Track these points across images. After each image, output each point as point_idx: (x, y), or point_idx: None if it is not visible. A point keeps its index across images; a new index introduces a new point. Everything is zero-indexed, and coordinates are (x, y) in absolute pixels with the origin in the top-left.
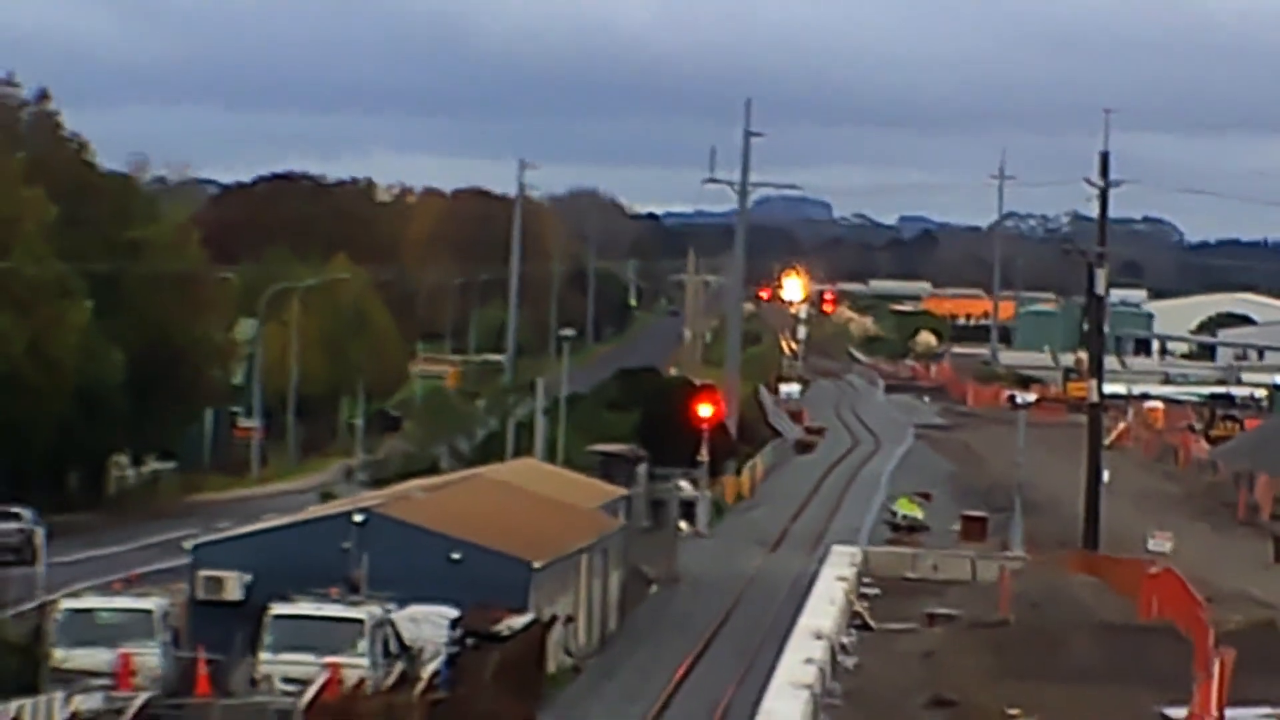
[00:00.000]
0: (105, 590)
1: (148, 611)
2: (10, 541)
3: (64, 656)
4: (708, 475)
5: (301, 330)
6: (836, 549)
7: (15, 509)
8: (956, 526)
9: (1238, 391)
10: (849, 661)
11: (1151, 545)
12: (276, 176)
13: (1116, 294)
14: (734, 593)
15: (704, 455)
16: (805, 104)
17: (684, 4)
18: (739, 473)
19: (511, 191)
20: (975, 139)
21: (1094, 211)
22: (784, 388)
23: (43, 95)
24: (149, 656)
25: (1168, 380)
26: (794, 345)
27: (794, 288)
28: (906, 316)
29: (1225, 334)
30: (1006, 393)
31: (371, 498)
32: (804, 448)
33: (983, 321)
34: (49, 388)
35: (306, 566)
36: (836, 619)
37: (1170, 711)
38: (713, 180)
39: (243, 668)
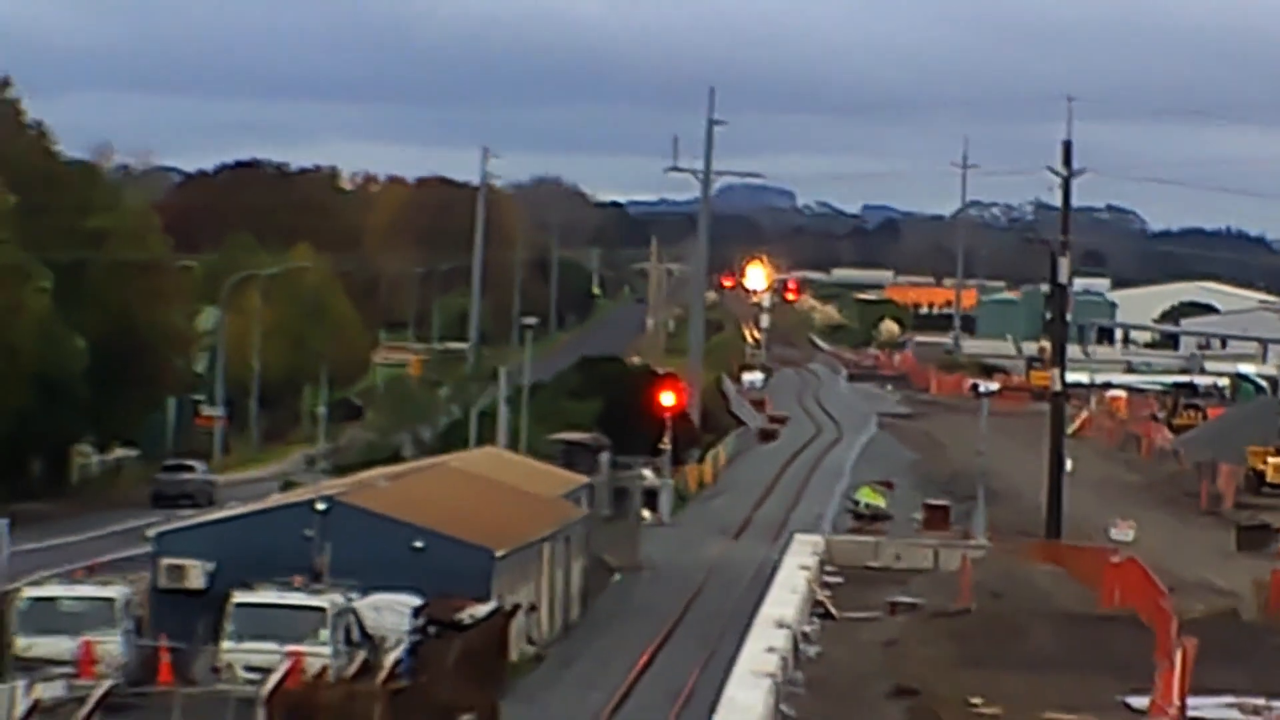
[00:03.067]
0: (67, 578)
1: (110, 600)
2: (186, 489)
3: (26, 645)
4: (670, 464)
5: (264, 319)
6: (799, 537)
7: (189, 461)
8: (919, 515)
9: (1200, 380)
10: (811, 650)
11: (1114, 534)
12: (239, 164)
13: (1079, 283)
14: (696, 581)
15: (666, 444)
16: (768, 91)
17: None
18: (701, 461)
19: (474, 180)
20: (939, 127)
21: (1057, 200)
22: (747, 376)
23: (3, 83)
24: (111, 645)
25: (1130, 369)
26: (757, 334)
27: (757, 276)
28: (869, 305)
29: (1188, 323)
30: (969, 381)
31: (334, 486)
32: (767, 436)
33: (945, 310)
34: (10, 376)
35: (269, 555)
36: (799, 607)
37: (1132, 700)
38: (675, 169)
39: (205, 656)
